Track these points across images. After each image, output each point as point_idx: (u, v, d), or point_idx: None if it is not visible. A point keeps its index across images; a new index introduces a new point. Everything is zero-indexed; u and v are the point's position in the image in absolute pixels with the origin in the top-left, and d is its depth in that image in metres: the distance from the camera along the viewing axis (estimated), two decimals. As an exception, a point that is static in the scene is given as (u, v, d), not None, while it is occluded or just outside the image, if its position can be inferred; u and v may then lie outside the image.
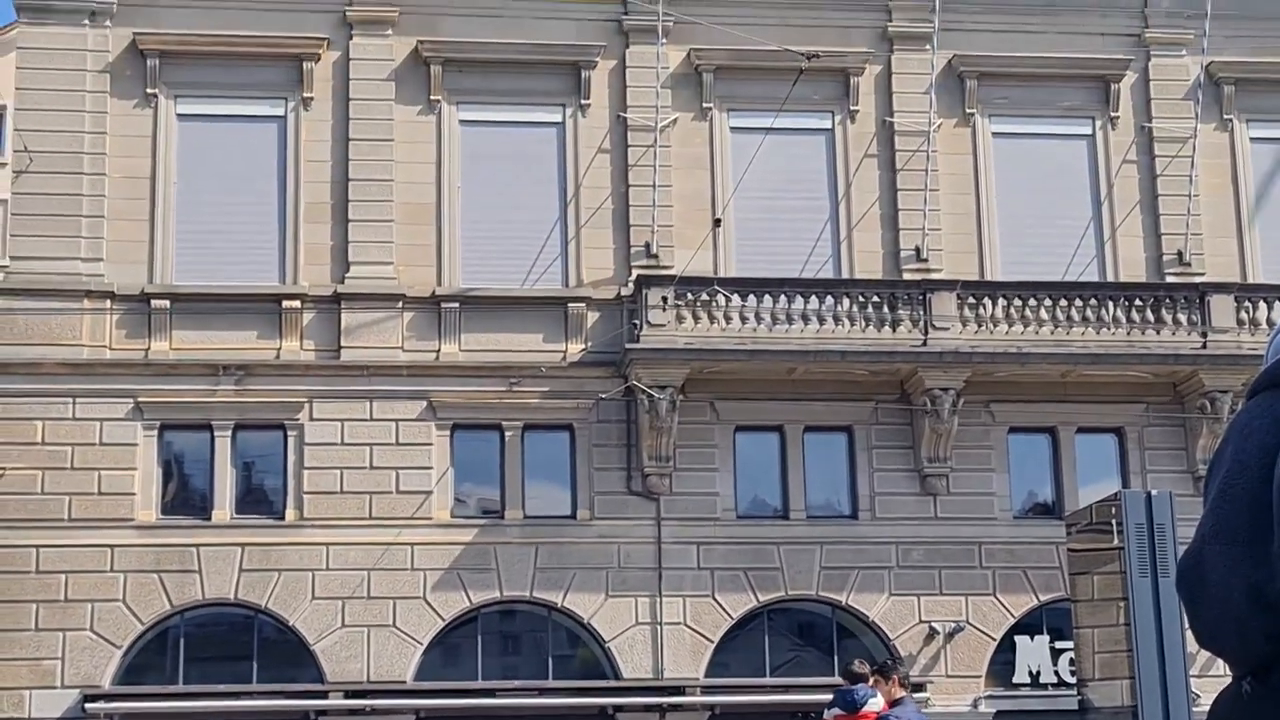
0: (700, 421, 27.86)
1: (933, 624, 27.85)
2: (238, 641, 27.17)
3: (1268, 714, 3.52)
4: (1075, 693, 14.41)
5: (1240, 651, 3.65)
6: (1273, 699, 3.53)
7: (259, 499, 27.53)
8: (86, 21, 27.80)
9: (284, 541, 26.91)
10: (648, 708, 27.18)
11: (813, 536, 27.92)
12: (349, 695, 26.58)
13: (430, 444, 27.49)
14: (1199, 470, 27.40)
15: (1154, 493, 13.22)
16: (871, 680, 14.18)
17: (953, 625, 27.88)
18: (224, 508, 27.05)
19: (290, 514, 27.08)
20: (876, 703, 13.78)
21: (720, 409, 28.03)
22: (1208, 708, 3.86)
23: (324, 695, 26.62)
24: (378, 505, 27.18)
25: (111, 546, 26.50)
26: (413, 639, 26.92)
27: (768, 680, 27.70)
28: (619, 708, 27.19)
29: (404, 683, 26.75)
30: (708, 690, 27.38)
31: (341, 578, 26.86)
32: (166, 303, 27.27)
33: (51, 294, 26.99)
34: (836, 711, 14.04)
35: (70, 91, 27.60)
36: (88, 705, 25.78)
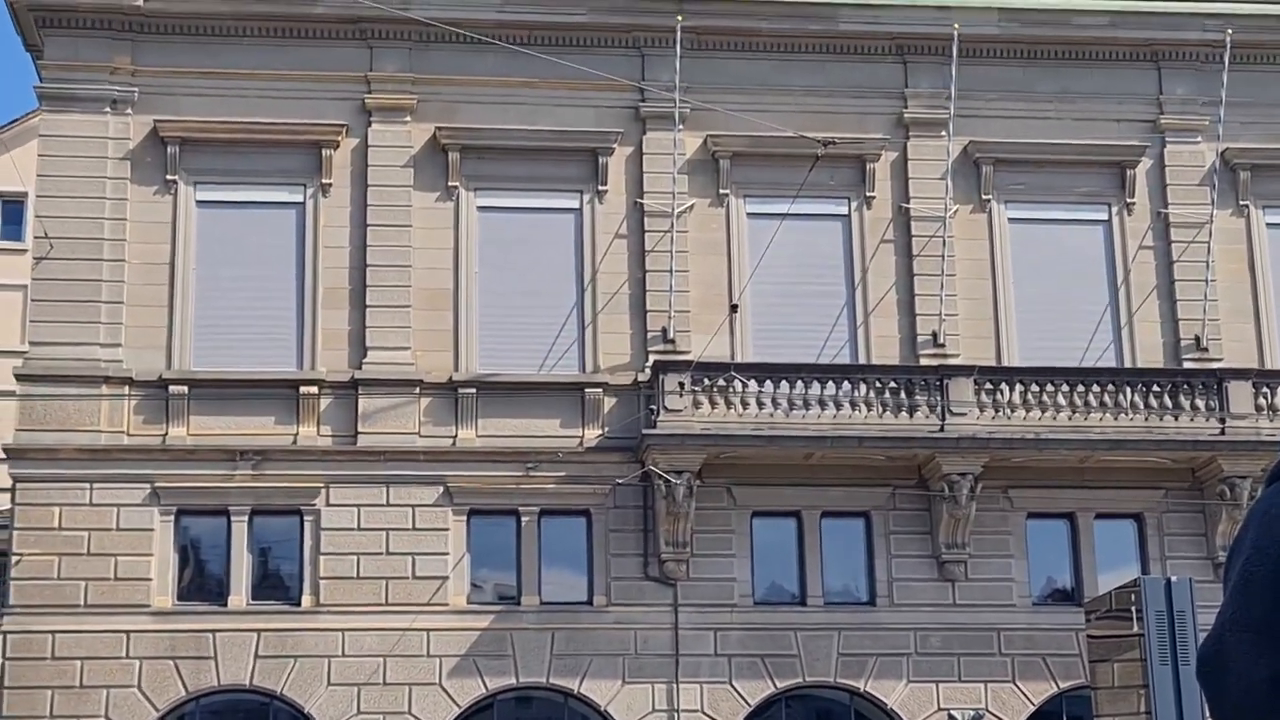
0: (717, 507, 27.80)
1: (952, 711, 27.65)
2: (253, 728, 27.05)
3: (1291, 805, 3.49)
4: (1097, 782, 14.27)
5: (1262, 741, 3.63)
6: (1296, 790, 3.50)
7: (275, 584, 27.47)
8: (108, 109, 28.03)
9: (300, 627, 26.83)
10: (665, 796, 26.96)
11: (830, 623, 27.77)
12: (364, 784, 26.41)
13: (447, 529, 27.45)
14: (1219, 556, 27.27)
15: (1174, 579, 13.18)
16: None
17: (972, 713, 27.67)
18: (240, 593, 26.99)
19: (306, 600, 27.01)
20: None
21: (737, 494, 27.98)
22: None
23: (339, 783, 26.46)
24: (394, 591, 27.10)
25: (127, 632, 26.44)
26: (428, 726, 26.76)
27: (786, 769, 27.48)
28: (636, 796, 26.98)
29: (419, 770, 26.58)
30: (725, 778, 27.17)
31: (357, 664, 26.75)
32: (184, 388, 27.34)
33: (70, 380, 27.07)
34: None
35: (91, 179, 27.80)
36: (101, 793, 25.64)
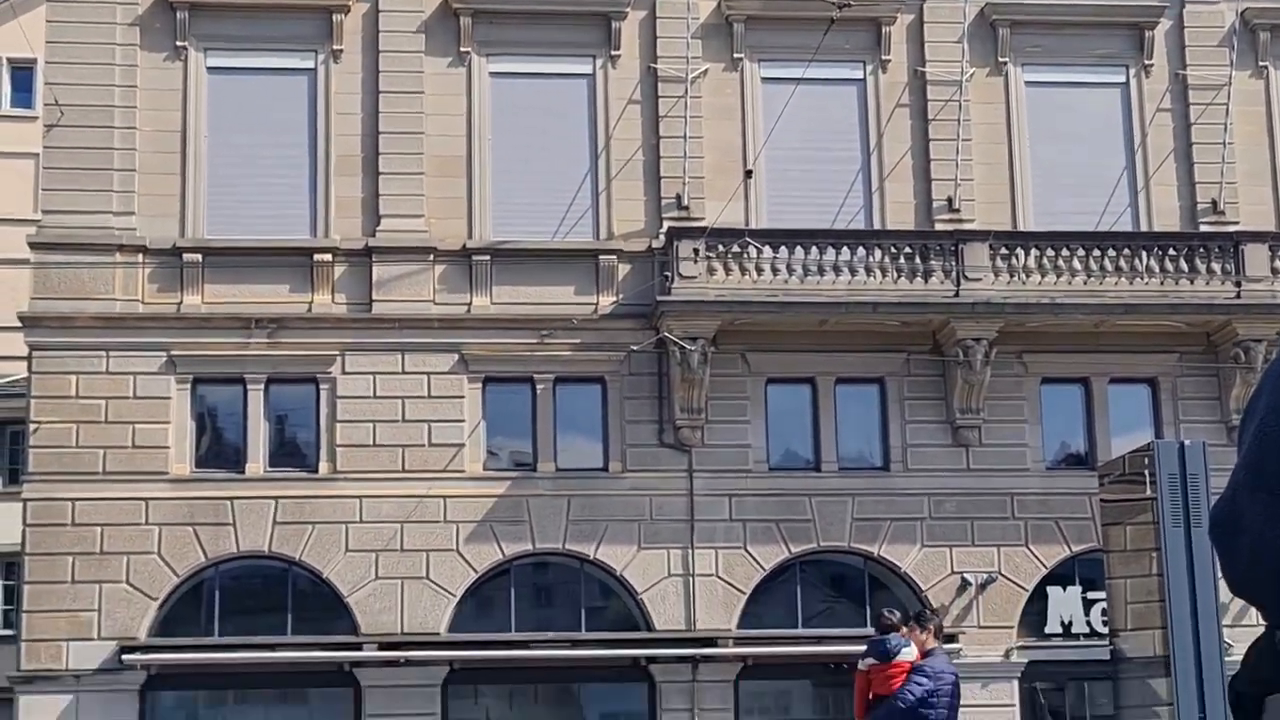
0: (732, 374, 27.84)
1: (965, 575, 27.85)
2: (272, 594, 27.32)
3: (1302, 663, 3.50)
4: (1107, 643, 14.39)
5: (1275, 600, 3.64)
6: (1307, 648, 3.51)
7: (292, 452, 27.63)
8: (116, -25, 27.77)
9: (317, 494, 27.01)
10: (680, 659, 27.25)
11: (845, 488, 27.91)
12: (383, 647, 26.70)
13: (462, 397, 27.54)
14: (1232, 420, 27.30)
15: (1187, 443, 13.19)
16: (904, 630, 14.19)
17: (985, 576, 27.87)
18: (257, 461, 27.15)
19: (323, 467, 27.18)
20: (910, 652, 13.79)
21: (752, 361, 28.01)
22: (1240, 658, 3.85)
23: (358, 647, 26.76)
24: (410, 458, 27.25)
25: (146, 500, 26.64)
26: (446, 591, 27.02)
27: (800, 631, 27.75)
28: (651, 659, 27.27)
29: (438, 634, 26.87)
30: (740, 641, 27.45)
31: (375, 530, 26.96)
32: (198, 256, 27.34)
33: (84, 248, 27.05)
34: (871, 661, 14.06)
35: (101, 45, 27.60)
36: (124, 657, 25.96)
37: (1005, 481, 28.06)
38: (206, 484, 26.94)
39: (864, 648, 14.56)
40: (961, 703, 13.99)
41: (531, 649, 27.27)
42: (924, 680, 13.34)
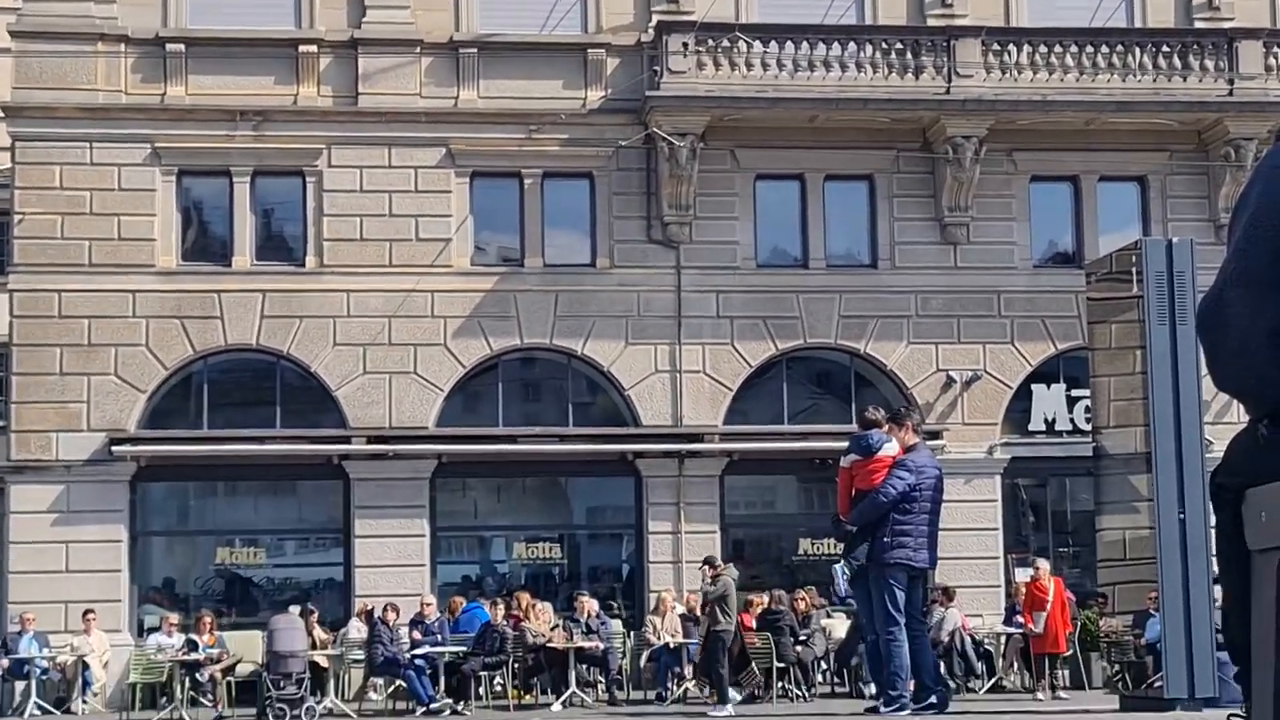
0: (720, 169, 27.70)
1: (950, 372, 28.00)
2: (260, 387, 27.44)
3: (1283, 456, 3.52)
4: (1090, 439, 14.51)
5: (1259, 394, 3.65)
6: (1289, 442, 3.53)
7: (279, 246, 27.57)
8: None
9: (304, 288, 27.00)
10: (666, 454, 27.49)
11: (832, 285, 27.93)
12: (371, 440, 26.90)
13: (449, 191, 27.41)
14: (1221, 219, 27.28)
15: (1175, 240, 13.20)
16: (886, 427, 14.28)
17: (970, 374, 28.02)
18: (244, 254, 27.09)
19: (310, 261, 27.13)
20: (891, 448, 13.89)
21: (741, 157, 27.86)
22: (1220, 454, 3.87)
23: (347, 440, 26.96)
24: (397, 253, 27.20)
25: (133, 292, 26.62)
26: (434, 385, 27.16)
27: (785, 428, 27.97)
28: (638, 454, 27.51)
29: (425, 428, 27.05)
30: (726, 437, 27.67)
31: (362, 324, 27.00)
32: (181, 47, 26.98)
33: (65, 37, 26.68)
34: (854, 458, 14.17)
35: None
36: (114, 448, 26.14)
37: (992, 279, 28.09)
38: (193, 277, 26.90)
39: (847, 444, 14.66)
40: (945, 498, 14.13)
41: (519, 443, 27.47)
42: (906, 475, 13.46)
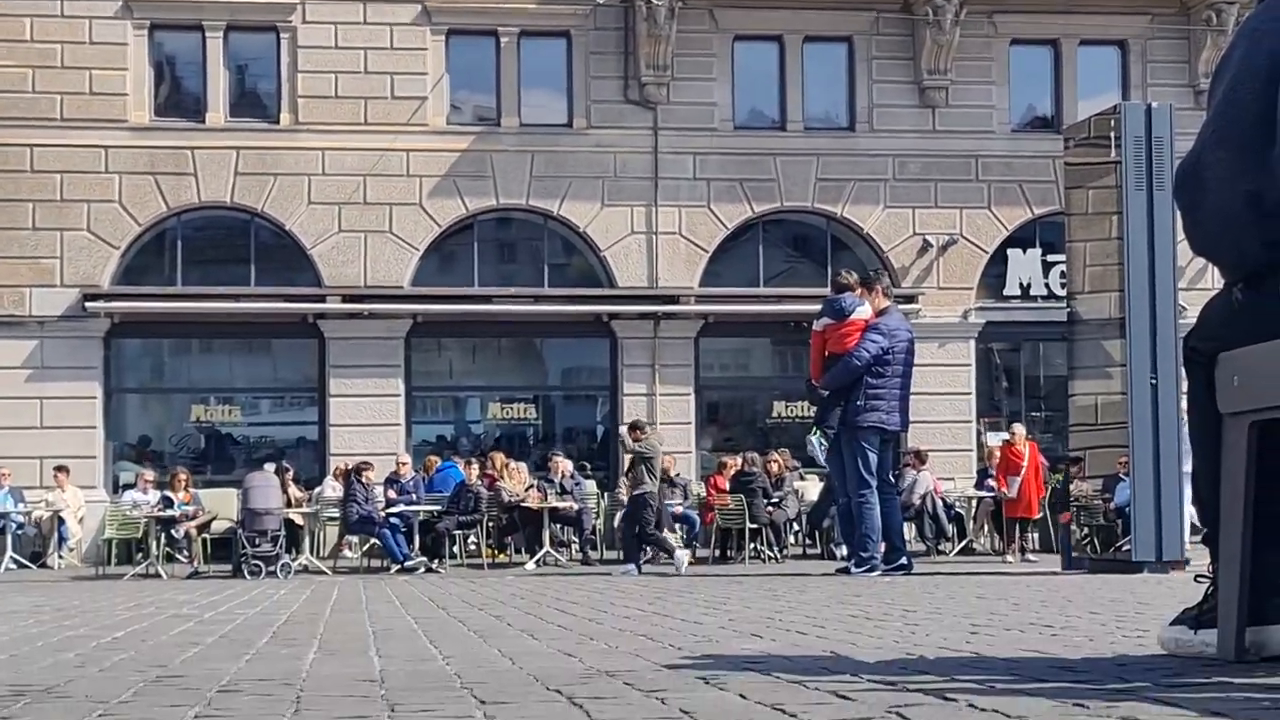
0: (699, 30, 27.46)
1: (926, 236, 27.98)
2: (235, 245, 27.31)
3: (1258, 320, 3.53)
4: (1064, 304, 14.54)
5: (1235, 258, 3.65)
6: (1262, 304, 3.54)
7: (253, 102, 27.33)
8: None
9: (279, 145, 26.80)
10: (642, 316, 27.49)
11: (809, 148, 27.82)
12: (346, 299, 26.84)
13: (425, 49, 27.15)
14: (1201, 84, 27.15)
15: (1154, 105, 13.13)
16: (858, 291, 14.26)
17: (946, 238, 28.01)
18: (218, 110, 26.86)
19: (285, 118, 26.91)
20: (864, 311, 13.87)
21: (719, 17, 27.60)
22: (1194, 320, 3.88)
23: (321, 299, 26.90)
24: (373, 110, 26.99)
25: (105, 148, 26.40)
26: (409, 245, 27.07)
27: (761, 290, 27.97)
28: (613, 315, 27.51)
29: (401, 287, 27.00)
30: (701, 299, 27.67)
31: (337, 183, 26.85)
32: (153, -102, 26.55)
33: (34, -112, 26.23)
34: (826, 321, 14.15)
35: None
36: (88, 304, 26.05)
37: (970, 143, 28.00)
38: (166, 133, 26.68)
39: (820, 308, 14.64)
40: (918, 361, 14.14)
41: (494, 303, 27.45)
42: (879, 338, 13.45)
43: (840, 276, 14.67)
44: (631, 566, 18.60)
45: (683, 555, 19.40)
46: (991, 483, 23.98)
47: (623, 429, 21.18)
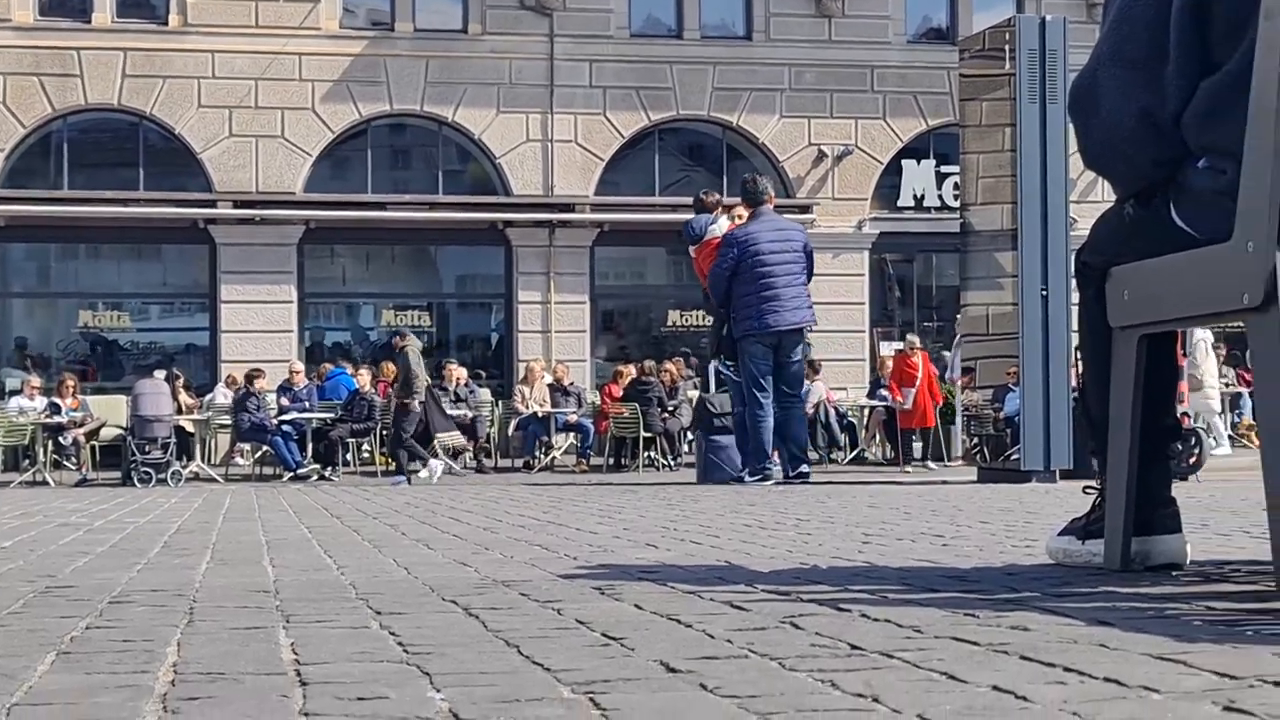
0: (596, -65, 27.25)
1: (822, 147, 28.05)
2: (123, 148, 26.89)
3: (1147, 235, 3.57)
4: (957, 216, 14.64)
5: (1127, 174, 3.68)
6: (1152, 220, 3.58)
7: (141, 3, 26.83)
8: None
9: (168, 47, 26.36)
10: (537, 224, 27.40)
11: (706, 56, 27.75)
12: (238, 205, 26.53)
13: (318, -49, 26.77)
14: (1095, -1, 27.32)
15: (1048, 18, 13.18)
16: (717, 210, 14.22)
17: (841, 148, 28.10)
18: (104, 10, 26.34)
19: (174, 19, 26.45)
20: (718, 228, 13.82)
21: (616, -78, 27.41)
22: (1085, 232, 3.91)
23: (212, 204, 26.57)
24: (264, 13, 26.59)
25: (-11, 48, 25.87)
26: (301, 150, 26.77)
27: (656, 199, 27.95)
28: (509, 223, 27.40)
29: (293, 193, 26.72)
30: (597, 208, 27.62)
31: (228, 86, 26.47)
32: None
33: None
34: (690, 246, 14.22)
35: None
36: (-28, 209, 25.60)
37: (866, 54, 28.04)
38: (52, 33, 26.15)
39: None
40: (816, 271, 14.13)
41: (388, 210, 27.24)
42: (727, 250, 13.36)
43: (699, 197, 14.66)
44: (402, 478, 18.56)
45: (437, 465, 19.65)
46: (885, 393, 24.19)
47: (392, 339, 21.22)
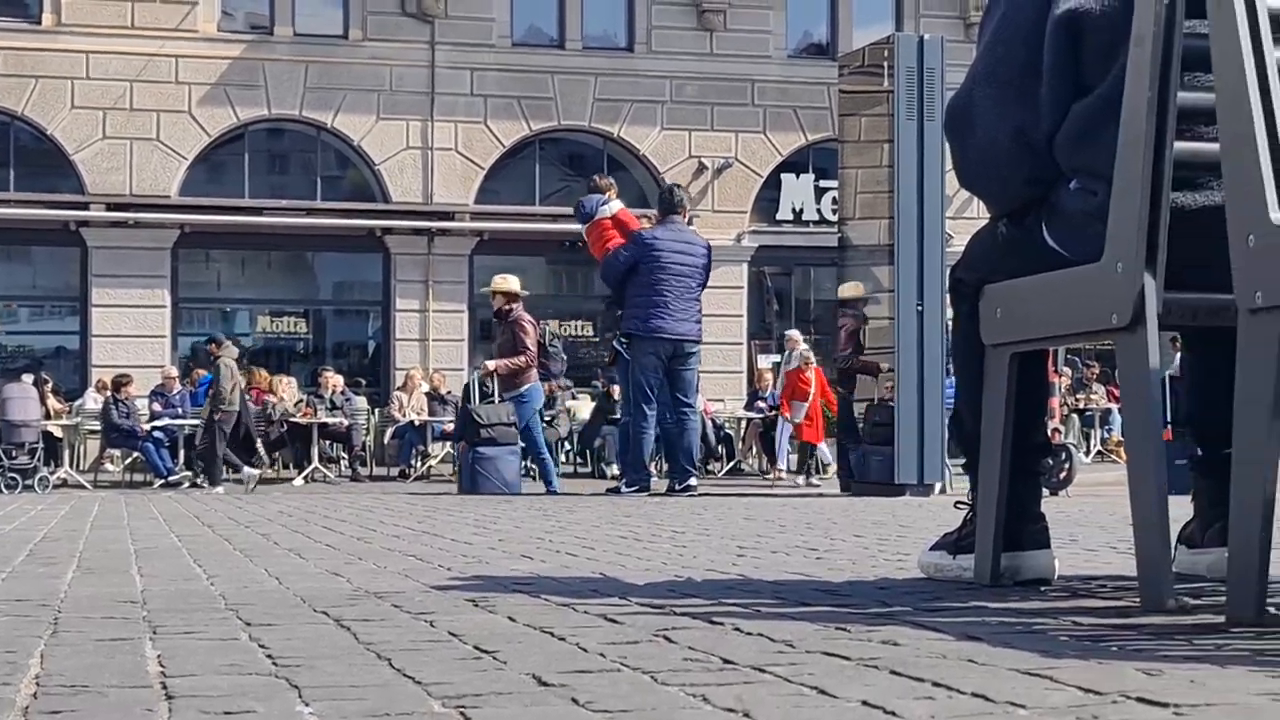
0: (478, -57, 27.20)
1: (702, 159, 28.17)
2: (-6, 148, 26.46)
3: (1020, 254, 3.62)
4: (836, 230, 14.75)
5: (1000, 193, 3.73)
6: (1025, 240, 3.63)
7: (13, 1, 26.40)
8: None
9: (41, 47, 25.96)
10: (416, 231, 27.28)
11: (588, 67, 27.78)
12: (111, 208, 26.17)
13: (196, -48, 26.49)
14: (971, 18, 27.65)
15: (926, 37, 13.32)
16: (609, 194, 14.10)
17: (721, 161, 28.23)
18: (-23, 9, 25.92)
19: (47, 19, 26.06)
20: (609, 209, 13.75)
21: (499, -69, 27.38)
22: (961, 249, 3.96)
23: (85, 206, 26.19)
24: (140, 14, 26.26)
25: None
26: (177, 153, 26.47)
27: (536, 209, 27.93)
28: (387, 230, 27.25)
29: (168, 197, 26.41)
30: (476, 216, 27.54)
31: (102, 88, 26.11)
32: None
33: None
34: (579, 226, 14.07)
35: None
36: None
37: (747, 68, 28.20)
38: (-78, 31, 25.68)
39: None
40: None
41: (265, 215, 26.99)
42: (630, 248, 13.31)
43: (595, 178, 14.62)
44: (219, 489, 18.44)
45: (252, 472, 19.57)
46: (761, 403, 24.29)
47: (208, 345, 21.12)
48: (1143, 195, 3.10)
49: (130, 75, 26.17)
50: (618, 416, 16.22)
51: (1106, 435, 25.63)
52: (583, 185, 27.81)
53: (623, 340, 13.50)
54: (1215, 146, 3.05)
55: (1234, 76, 2.84)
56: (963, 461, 4.10)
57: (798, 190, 28.74)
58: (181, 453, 21.92)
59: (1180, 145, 3.17)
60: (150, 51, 26.21)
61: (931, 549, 4.04)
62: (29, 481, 19.26)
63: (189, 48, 26.42)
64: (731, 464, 24.78)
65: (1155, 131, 3.10)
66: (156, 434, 21.84)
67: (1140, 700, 2.04)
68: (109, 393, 22.25)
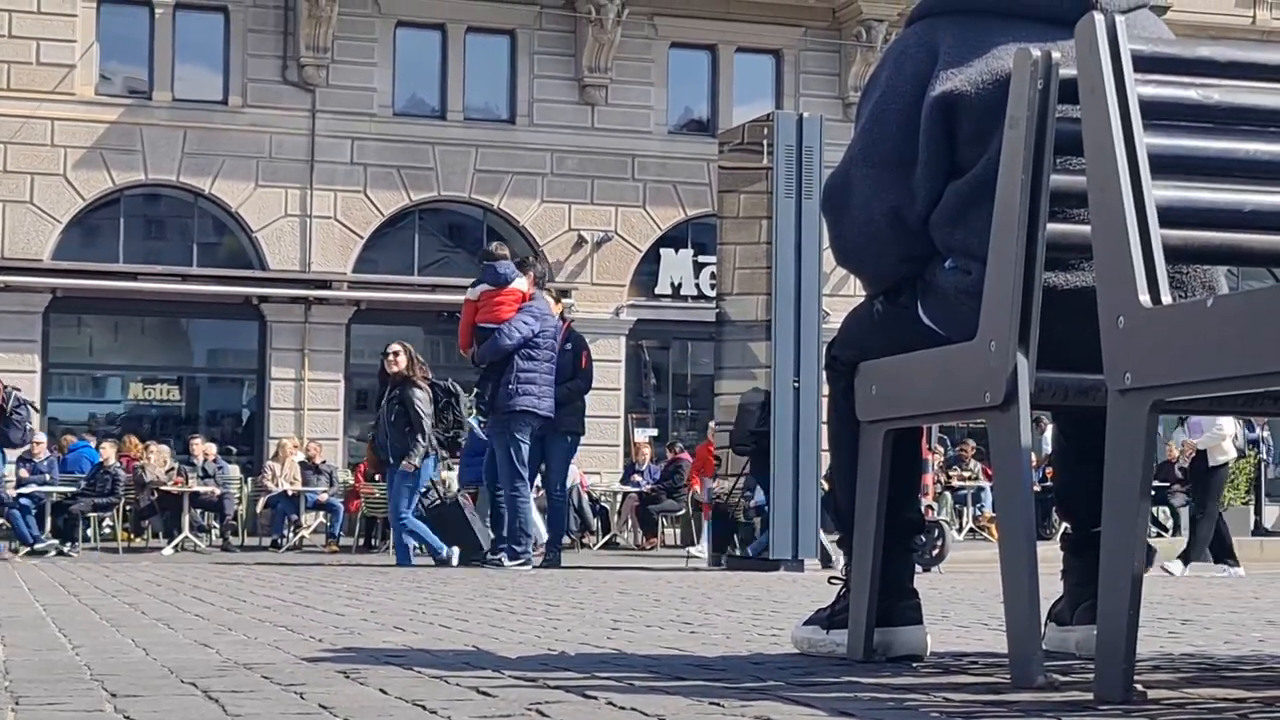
0: (360, 14, 27.19)
1: (582, 232, 28.25)
2: None
3: (895, 331, 3.66)
4: (714, 305, 14.84)
5: (876, 271, 3.78)
6: (900, 317, 3.67)
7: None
8: None
9: (-87, 107, 25.60)
10: (293, 299, 27.10)
11: (469, 139, 27.81)
12: (-19, 270, 25.78)
13: (75, 15, 26.25)
14: (849, 97, 28.03)
15: (805, 115, 13.49)
16: (516, 264, 13.99)
17: (601, 235, 28.33)
18: None
19: (-79, 80, 25.70)
20: (522, 283, 13.58)
21: (381, 2, 27.39)
22: (837, 326, 3.99)
23: (-45, 269, 25.79)
24: (16, 76, 25.99)
25: None
26: (50, 217, 26.15)
27: (415, 279, 27.86)
28: (264, 298, 27.05)
29: (40, 260, 26.06)
30: (354, 285, 27.42)
31: (-24, 150, 25.75)
32: None
33: None
34: (484, 287, 13.60)
35: None
36: None
37: (628, 142, 28.37)
38: None
39: (477, 277, 14.18)
40: (569, 357, 14.14)
41: (140, 281, 26.68)
42: (531, 320, 13.30)
43: (493, 248, 14.47)
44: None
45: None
46: (638, 477, 24.29)
47: None
48: (1016, 275, 3.15)
49: (4, 137, 25.86)
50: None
51: (979, 512, 25.89)
52: (462, 255, 27.98)
53: (481, 420, 13.47)
54: (1087, 229, 3.12)
55: (1105, 161, 2.89)
56: (837, 537, 4.13)
57: (677, 265, 28.90)
58: (49, 520, 21.53)
59: (1053, 226, 3.22)
60: (25, 114, 25.92)
61: (805, 624, 4.05)
62: (-111, 549, 18.82)
63: (65, 110, 26.16)
64: (607, 537, 24.73)
65: (1028, 213, 3.15)
66: (23, 500, 21.44)
67: (1010, 776, 2.05)
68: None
